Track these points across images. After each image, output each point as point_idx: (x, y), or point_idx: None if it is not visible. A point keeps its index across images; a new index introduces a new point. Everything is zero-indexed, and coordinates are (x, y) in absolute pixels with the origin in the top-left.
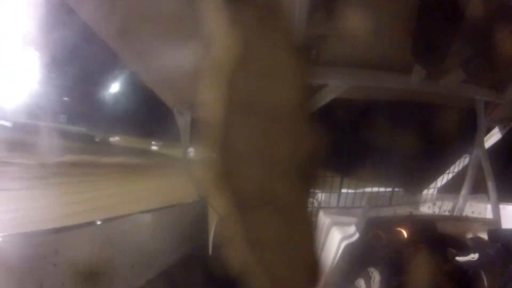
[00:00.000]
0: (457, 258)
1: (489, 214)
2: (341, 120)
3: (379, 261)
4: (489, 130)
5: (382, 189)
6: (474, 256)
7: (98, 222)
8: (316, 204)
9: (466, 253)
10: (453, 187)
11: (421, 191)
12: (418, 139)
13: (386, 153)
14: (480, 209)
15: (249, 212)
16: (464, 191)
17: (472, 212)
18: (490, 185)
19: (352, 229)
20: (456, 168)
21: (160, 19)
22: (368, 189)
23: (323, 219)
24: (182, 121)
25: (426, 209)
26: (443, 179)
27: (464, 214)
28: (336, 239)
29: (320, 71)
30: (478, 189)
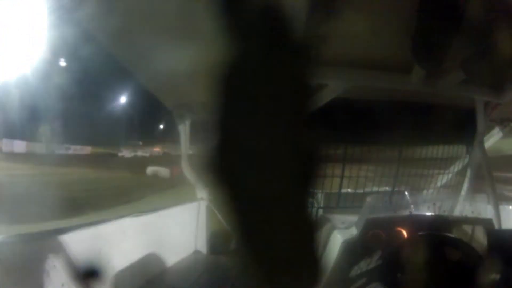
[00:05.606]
0: (457, 258)
1: (489, 214)
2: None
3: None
4: (488, 130)
5: (382, 189)
6: (473, 256)
7: (99, 223)
8: (316, 204)
9: (466, 254)
10: (452, 187)
11: (420, 190)
12: (418, 138)
13: (385, 153)
14: (480, 209)
15: (249, 212)
16: (463, 191)
17: (472, 212)
18: (490, 185)
19: (352, 229)
20: (456, 168)
21: (160, 20)
22: (368, 189)
23: (323, 219)
24: (182, 123)
25: (426, 209)
26: (443, 179)
27: (464, 214)
28: (336, 239)
29: (320, 71)
30: (478, 189)
